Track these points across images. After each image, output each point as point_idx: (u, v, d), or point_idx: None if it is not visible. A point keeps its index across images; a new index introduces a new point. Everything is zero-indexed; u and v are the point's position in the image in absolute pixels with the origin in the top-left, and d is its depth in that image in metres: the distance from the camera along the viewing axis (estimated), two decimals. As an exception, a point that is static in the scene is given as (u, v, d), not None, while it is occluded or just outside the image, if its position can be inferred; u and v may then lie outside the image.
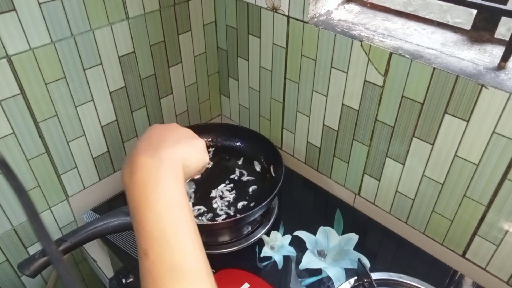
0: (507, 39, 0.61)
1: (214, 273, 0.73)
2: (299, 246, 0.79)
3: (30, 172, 0.77)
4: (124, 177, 0.43)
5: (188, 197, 0.59)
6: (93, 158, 0.87)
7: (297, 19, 0.78)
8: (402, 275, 0.71)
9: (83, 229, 0.63)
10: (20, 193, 0.32)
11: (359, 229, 0.82)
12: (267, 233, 0.82)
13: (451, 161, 0.68)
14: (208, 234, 0.81)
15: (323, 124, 0.87)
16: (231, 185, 0.87)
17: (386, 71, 0.70)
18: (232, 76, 1.03)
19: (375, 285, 0.69)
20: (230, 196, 0.84)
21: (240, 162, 0.92)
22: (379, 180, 0.82)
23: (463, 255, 0.75)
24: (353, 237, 0.81)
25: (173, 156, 0.44)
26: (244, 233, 0.81)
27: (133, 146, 0.45)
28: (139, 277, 0.38)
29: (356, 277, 0.72)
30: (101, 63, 0.79)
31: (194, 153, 0.48)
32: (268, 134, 1.01)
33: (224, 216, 0.80)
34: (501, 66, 0.62)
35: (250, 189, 0.86)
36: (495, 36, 0.68)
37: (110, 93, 0.83)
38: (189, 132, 0.51)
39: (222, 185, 0.87)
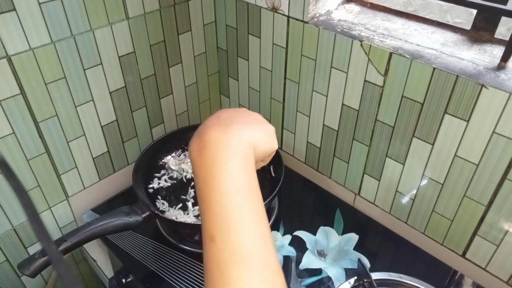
0: (507, 39, 0.61)
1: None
2: (299, 246, 0.79)
3: (30, 172, 0.77)
4: (192, 153, 0.41)
5: None
6: (93, 158, 0.87)
7: (297, 19, 0.78)
8: (402, 275, 0.71)
9: (83, 229, 0.63)
10: (20, 193, 0.32)
11: (359, 229, 0.82)
12: (267, 233, 0.82)
13: (451, 161, 0.68)
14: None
15: (323, 124, 0.87)
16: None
17: (386, 71, 0.70)
18: (232, 76, 1.03)
19: (375, 285, 0.69)
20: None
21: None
22: (379, 180, 0.82)
23: (463, 255, 0.75)
24: (353, 237, 0.81)
25: (243, 135, 0.42)
26: (244, 233, 0.81)
27: (201, 124, 0.44)
28: (203, 261, 0.37)
29: (356, 277, 0.72)
30: (101, 63, 0.79)
31: (264, 136, 0.46)
32: (268, 134, 1.01)
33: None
34: (501, 66, 0.62)
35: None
36: (495, 36, 0.68)
37: (110, 93, 0.83)
38: (259, 116, 0.49)
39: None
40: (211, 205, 0.38)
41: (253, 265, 0.35)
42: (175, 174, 0.90)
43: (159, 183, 0.87)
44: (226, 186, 0.38)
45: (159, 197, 0.84)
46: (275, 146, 0.48)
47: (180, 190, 0.86)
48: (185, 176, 0.90)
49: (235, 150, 0.40)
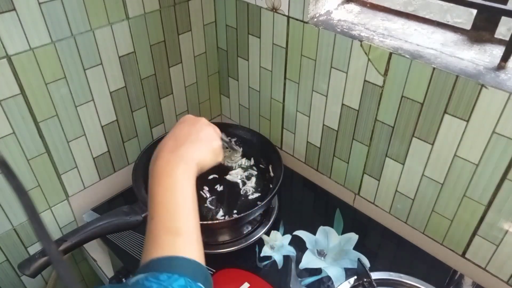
0: (507, 39, 0.61)
1: (214, 272, 0.74)
2: (299, 245, 0.79)
3: (30, 172, 0.77)
4: (150, 165, 0.56)
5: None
6: (93, 158, 0.87)
7: (297, 19, 0.78)
8: (402, 275, 0.71)
9: (83, 229, 0.63)
10: (20, 193, 0.32)
11: (359, 229, 0.82)
12: (267, 233, 0.82)
13: (451, 161, 0.68)
14: (207, 233, 0.81)
15: (323, 124, 0.87)
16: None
17: (386, 71, 0.70)
18: (232, 76, 1.03)
19: (375, 285, 0.69)
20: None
21: (239, 162, 0.92)
22: (379, 180, 0.82)
23: (463, 255, 0.75)
24: (353, 237, 0.81)
25: (190, 156, 0.56)
26: (244, 232, 0.81)
27: (162, 141, 0.58)
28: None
29: (356, 277, 0.72)
30: (101, 63, 0.79)
31: (209, 154, 0.60)
32: (268, 134, 1.01)
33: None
34: (501, 66, 0.62)
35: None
36: (495, 36, 0.68)
37: (110, 93, 0.83)
38: (211, 134, 0.63)
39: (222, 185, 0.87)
40: (155, 196, 0.51)
41: (180, 237, 0.47)
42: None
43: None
44: (167, 185, 0.52)
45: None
46: (219, 159, 0.63)
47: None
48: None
49: (181, 166, 0.54)
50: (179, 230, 0.48)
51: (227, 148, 0.86)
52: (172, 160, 0.54)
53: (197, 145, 0.58)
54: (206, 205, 0.83)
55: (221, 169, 0.91)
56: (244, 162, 0.92)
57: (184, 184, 0.52)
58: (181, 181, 0.52)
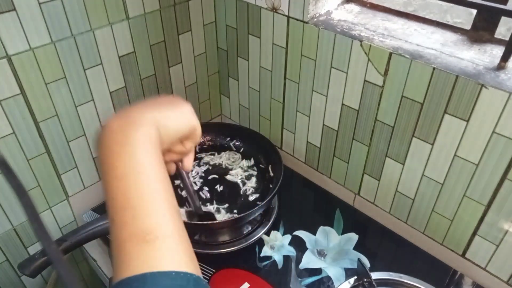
0: (507, 39, 0.61)
1: (214, 272, 0.74)
2: (299, 245, 0.79)
3: (30, 172, 0.77)
4: (96, 142, 0.41)
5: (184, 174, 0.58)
6: (93, 158, 0.87)
7: (297, 19, 0.78)
8: (402, 275, 0.71)
9: (83, 229, 0.63)
10: (20, 193, 0.32)
11: (359, 229, 0.82)
12: (267, 233, 0.82)
13: (451, 161, 0.68)
14: (207, 233, 0.82)
15: (323, 124, 0.87)
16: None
17: (386, 71, 0.70)
18: (232, 76, 1.03)
19: (375, 285, 0.69)
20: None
21: (239, 162, 0.92)
22: (379, 180, 0.82)
23: (463, 255, 0.75)
24: (353, 237, 0.81)
25: (143, 116, 0.41)
26: (244, 232, 0.81)
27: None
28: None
29: (356, 277, 0.72)
30: (101, 63, 0.79)
31: (172, 113, 0.44)
32: (268, 134, 1.01)
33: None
34: (501, 66, 0.62)
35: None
36: (495, 36, 0.68)
37: (110, 93, 0.83)
38: (178, 100, 0.47)
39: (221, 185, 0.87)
40: (110, 190, 0.37)
41: (152, 243, 0.34)
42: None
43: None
44: (123, 169, 0.37)
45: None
46: (191, 122, 0.46)
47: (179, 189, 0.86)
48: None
49: (132, 132, 0.39)
50: (149, 234, 0.34)
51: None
52: (122, 128, 0.39)
53: (156, 106, 0.44)
54: (206, 205, 0.83)
55: (221, 169, 0.91)
56: (244, 163, 0.92)
57: (145, 161, 0.38)
58: (140, 156, 0.38)
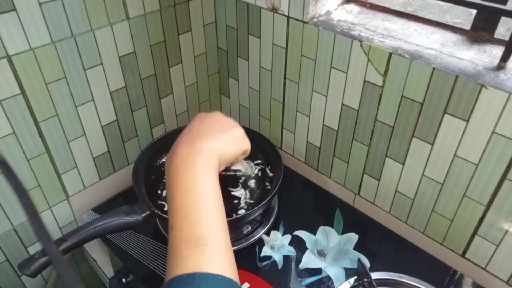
0: (507, 39, 0.61)
1: (214, 272, 0.74)
2: (299, 245, 0.79)
3: (30, 172, 0.77)
4: (166, 163, 0.51)
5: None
6: (93, 158, 0.87)
7: (297, 19, 0.78)
8: (402, 275, 0.71)
9: (83, 229, 0.63)
10: (20, 193, 0.32)
11: (359, 228, 0.83)
12: (267, 233, 0.82)
13: (451, 161, 0.68)
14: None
15: (323, 124, 0.87)
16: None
17: (386, 71, 0.70)
18: (232, 76, 1.03)
19: (375, 285, 0.69)
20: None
21: (239, 162, 0.92)
22: (378, 180, 0.82)
23: (463, 255, 0.75)
24: (353, 237, 0.81)
25: (208, 148, 0.50)
26: (244, 232, 0.82)
27: (177, 139, 0.53)
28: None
29: (356, 277, 0.72)
30: (102, 63, 0.79)
31: (231, 143, 0.54)
32: (268, 134, 1.01)
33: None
34: (500, 66, 0.62)
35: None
36: (495, 36, 0.68)
37: (111, 93, 0.83)
38: (230, 122, 0.57)
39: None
40: (173, 201, 0.45)
41: (203, 248, 0.41)
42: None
43: (159, 183, 0.87)
44: (186, 185, 0.46)
45: (159, 194, 0.84)
46: (245, 146, 0.57)
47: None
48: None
49: (199, 160, 0.48)
50: (201, 240, 0.41)
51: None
52: (189, 154, 0.48)
53: (216, 135, 0.53)
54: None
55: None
56: (244, 163, 0.92)
57: (204, 181, 0.47)
58: (201, 177, 0.47)
